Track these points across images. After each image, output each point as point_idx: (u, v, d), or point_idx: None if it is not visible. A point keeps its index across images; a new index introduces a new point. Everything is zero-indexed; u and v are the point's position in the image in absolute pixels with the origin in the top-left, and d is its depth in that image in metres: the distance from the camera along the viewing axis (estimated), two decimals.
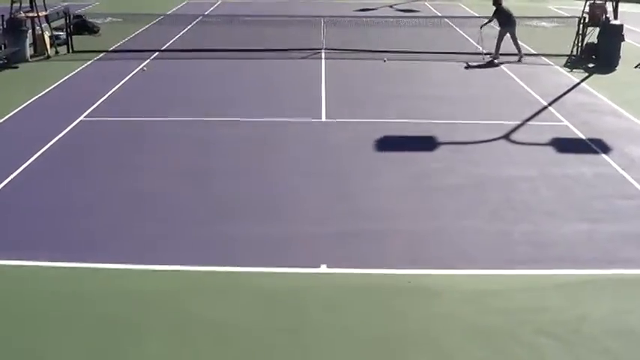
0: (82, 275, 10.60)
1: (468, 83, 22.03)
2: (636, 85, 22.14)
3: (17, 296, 10.04)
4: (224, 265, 10.83)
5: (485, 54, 25.10)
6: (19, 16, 24.73)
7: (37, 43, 25.69)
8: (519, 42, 24.96)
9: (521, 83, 21.88)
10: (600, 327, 9.35)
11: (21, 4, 25.14)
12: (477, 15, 32.87)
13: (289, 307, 9.83)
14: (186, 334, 9.12)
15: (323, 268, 10.78)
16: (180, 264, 10.86)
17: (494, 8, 24.94)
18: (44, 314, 9.58)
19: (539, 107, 19.22)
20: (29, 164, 14.80)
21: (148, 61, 24.40)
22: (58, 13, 28.45)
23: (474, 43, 26.70)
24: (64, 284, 10.36)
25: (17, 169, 14.48)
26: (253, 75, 22.86)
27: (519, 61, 24.81)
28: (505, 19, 24.79)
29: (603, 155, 15.65)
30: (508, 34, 24.73)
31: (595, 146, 16.16)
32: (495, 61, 24.75)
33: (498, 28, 25.01)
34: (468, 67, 24.08)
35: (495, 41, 24.93)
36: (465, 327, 9.34)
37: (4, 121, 17.73)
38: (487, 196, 13.54)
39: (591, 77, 22.90)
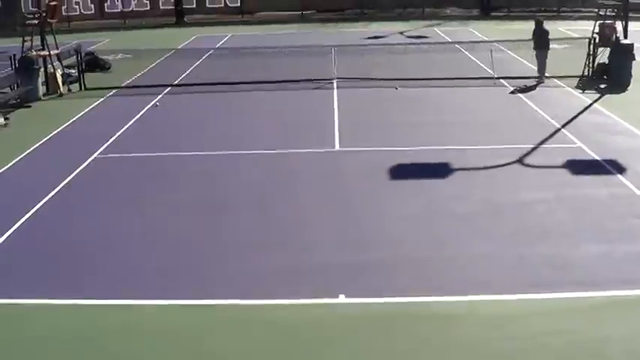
0: (90, 312, 10.65)
1: (480, 108, 22.00)
2: None
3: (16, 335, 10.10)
4: (242, 299, 10.80)
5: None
6: (30, 54, 24.93)
7: (50, 81, 25.86)
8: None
9: (533, 106, 21.85)
10: (622, 348, 9.31)
11: (32, 42, 25.32)
12: (487, 39, 32.92)
13: (311, 338, 9.83)
14: None
15: (341, 298, 10.76)
16: (197, 298, 10.86)
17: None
18: (55, 352, 9.67)
19: (552, 129, 19.17)
20: (46, 201, 14.87)
21: (161, 96, 24.47)
22: (69, 50, 28.66)
23: (486, 68, 26.74)
24: (71, 321, 10.39)
25: (34, 206, 14.55)
26: (266, 106, 22.94)
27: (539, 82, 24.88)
28: (546, 39, 24.97)
29: (618, 175, 15.60)
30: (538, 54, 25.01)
31: (609, 166, 16.11)
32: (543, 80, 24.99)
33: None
34: (513, 92, 23.99)
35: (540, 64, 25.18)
36: (486, 352, 9.32)
37: (19, 159, 17.82)
38: (503, 220, 13.52)
39: (603, 97, 22.84)
